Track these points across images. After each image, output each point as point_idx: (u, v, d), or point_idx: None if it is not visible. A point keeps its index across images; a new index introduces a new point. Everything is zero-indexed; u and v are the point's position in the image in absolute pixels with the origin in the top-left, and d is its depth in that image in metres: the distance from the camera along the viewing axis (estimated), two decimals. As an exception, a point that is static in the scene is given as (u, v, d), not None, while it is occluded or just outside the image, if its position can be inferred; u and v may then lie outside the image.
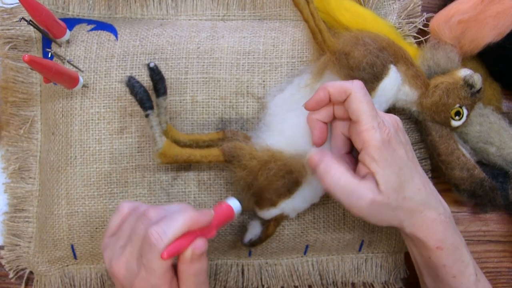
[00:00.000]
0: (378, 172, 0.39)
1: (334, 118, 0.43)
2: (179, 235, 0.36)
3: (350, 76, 0.44)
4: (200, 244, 0.37)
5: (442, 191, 0.46)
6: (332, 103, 0.42)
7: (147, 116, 0.44)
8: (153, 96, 0.45)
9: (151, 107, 0.44)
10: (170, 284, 0.37)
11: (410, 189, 0.41)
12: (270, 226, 0.48)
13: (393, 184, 0.40)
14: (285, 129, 0.46)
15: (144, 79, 0.48)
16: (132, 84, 0.43)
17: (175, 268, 0.38)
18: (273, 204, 0.46)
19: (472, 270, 0.43)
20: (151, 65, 0.43)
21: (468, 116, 0.49)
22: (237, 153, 0.45)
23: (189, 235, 0.37)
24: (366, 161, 0.40)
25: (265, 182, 0.44)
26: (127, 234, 0.38)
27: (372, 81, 0.44)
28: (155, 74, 0.44)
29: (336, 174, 0.39)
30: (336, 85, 0.40)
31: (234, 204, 0.41)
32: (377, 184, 0.39)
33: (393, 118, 0.42)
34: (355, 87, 0.39)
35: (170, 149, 0.45)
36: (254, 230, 0.48)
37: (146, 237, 0.36)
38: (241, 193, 0.48)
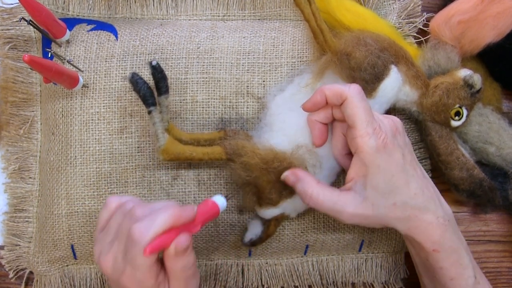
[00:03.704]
0: (367, 177, 0.40)
1: (334, 119, 0.43)
2: (161, 232, 0.36)
3: (351, 77, 0.44)
4: (182, 240, 0.37)
5: (442, 191, 0.46)
6: (329, 105, 0.42)
7: (149, 112, 0.44)
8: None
9: (154, 104, 0.43)
10: (157, 279, 0.38)
11: (404, 195, 0.41)
12: (271, 226, 0.48)
13: (382, 190, 0.40)
14: (287, 128, 0.46)
15: (146, 79, 0.48)
16: (135, 81, 0.43)
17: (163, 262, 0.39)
18: (274, 203, 0.46)
19: (471, 272, 0.43)
20: (154, 63, 0.43)
21: (468, 116, 0.49)
22: (239, 151, 0.44)
23: (172, 231, 0.37)
24: (357, 166, 0.40)
25: (266, 182, 0.44)
26: (114, 230, 0.39)
27: (373, 81, 0.44)
28: (157, 72, 0.43)
29: (314, 192, 0.41)
30: (333, 89, 0.40)
31: (220, 200, 0.41)
32: (364, 188, 0.40)
33: (392, 121, 0.42)
34: (352, 91, 0.39)
35: (173, 146, 0.45)
36: (254, 229, 0.48)
37: (129, 234, 0.36)
38: (242, 192, 0.48)
